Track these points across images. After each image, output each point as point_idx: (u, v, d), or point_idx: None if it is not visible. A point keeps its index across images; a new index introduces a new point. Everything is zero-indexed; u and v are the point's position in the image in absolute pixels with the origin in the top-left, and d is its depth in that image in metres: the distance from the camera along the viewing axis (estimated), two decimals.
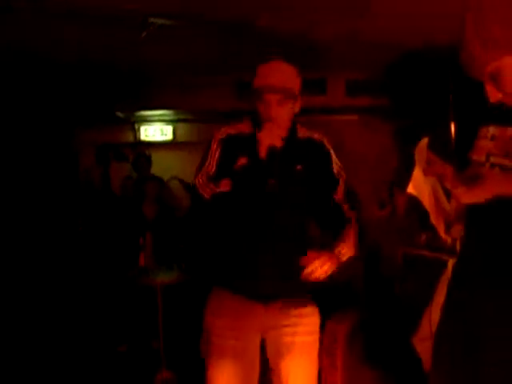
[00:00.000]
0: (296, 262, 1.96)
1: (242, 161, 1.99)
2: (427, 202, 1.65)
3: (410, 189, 1.69)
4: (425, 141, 1.65)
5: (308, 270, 1.91)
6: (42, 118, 5.64)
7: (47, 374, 3.66)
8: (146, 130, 6.89)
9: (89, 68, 5.07)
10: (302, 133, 2.13)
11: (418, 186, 1.63)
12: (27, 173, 5.43)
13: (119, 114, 6.37)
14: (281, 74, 2.01)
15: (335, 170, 2.13)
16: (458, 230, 1.76)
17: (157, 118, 6.79)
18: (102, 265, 4.50)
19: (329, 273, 1.94)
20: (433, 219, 1.75)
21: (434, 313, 2.49)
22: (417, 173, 1.60)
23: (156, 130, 6.90)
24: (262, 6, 3.40)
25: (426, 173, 1.65)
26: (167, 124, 6.89)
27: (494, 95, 1.45)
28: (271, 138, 1.96)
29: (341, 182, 2.14)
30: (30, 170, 5.49)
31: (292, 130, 2.09)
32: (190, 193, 2.17)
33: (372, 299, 3.78)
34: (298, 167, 2.05)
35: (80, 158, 6.28)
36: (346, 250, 2.02)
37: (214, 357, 2.08)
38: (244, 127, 2.10)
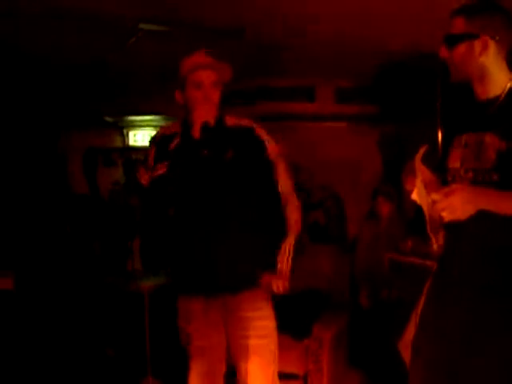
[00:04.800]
0: (244, 252, 2.05)
1: (175, 142, 2.07)
2: (426, 211, 1.68)
3: (414, 196, 1.72)
4: (422, 150, 1.68)
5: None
6: (30, 120, 5.60)
7: (34, 378, 3.62)
8: (134, 135, 6.86)
9: (77, 71, 5.05)
10: (230, 121, 2.15)
11: (420, 194, 1.66)
12: (13, 176, 5.39)
13: (108, 119, 6.34)
14: (210, 56, 2.14)
15: (271, 157, 2.12)
16: (442, 236, 1.78)
17: (146, 123, 6.78)
18: (88, 269, 4.47)
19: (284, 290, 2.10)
20: (429, 229, 1.78)
21: None
22: (418, 181, 1.64)
23: (145, 135, 6.87)
24: (251, 14, 3.41)
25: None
26: (156, 129, 6.84)
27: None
28: (205, 115, 2.03)
29: (280, 169, 2.13)
30: (16, 173, 5.45)
31: (219, 119, 2.12)
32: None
33: (358, 304, 3.80)
34: (229, 154, 2.07)
35: (67, 161, 6.23)
36: (284, 266, 2.10)
37: (191, 358, 2.23)
38: (176, 127, 2.16)
